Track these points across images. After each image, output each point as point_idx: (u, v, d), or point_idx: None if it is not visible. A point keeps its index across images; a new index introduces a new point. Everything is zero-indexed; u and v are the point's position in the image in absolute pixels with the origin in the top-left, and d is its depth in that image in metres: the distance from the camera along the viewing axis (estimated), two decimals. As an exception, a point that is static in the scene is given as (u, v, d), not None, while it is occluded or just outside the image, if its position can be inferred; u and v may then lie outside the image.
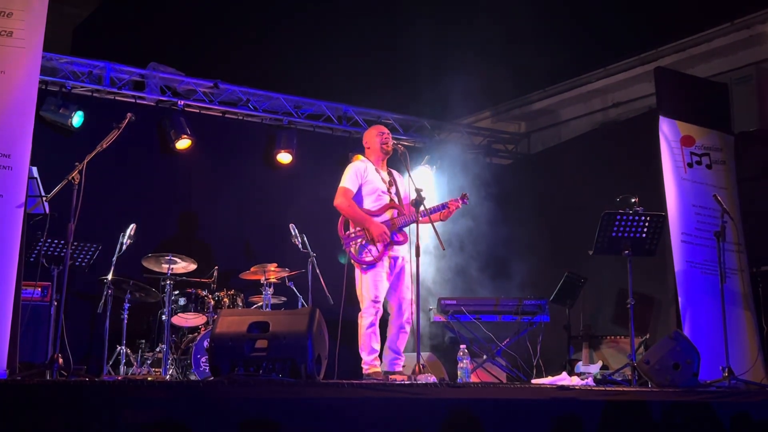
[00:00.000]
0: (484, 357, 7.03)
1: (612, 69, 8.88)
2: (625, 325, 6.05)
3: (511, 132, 10.13)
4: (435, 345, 7.51)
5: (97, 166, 4.88)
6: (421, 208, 5.33)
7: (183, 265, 6.88)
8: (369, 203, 5.68)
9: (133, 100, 8.02)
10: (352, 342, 5.62)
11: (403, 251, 5.65)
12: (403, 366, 5.60)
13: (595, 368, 6.59)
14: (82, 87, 7.77)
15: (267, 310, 6.68)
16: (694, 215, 6.59)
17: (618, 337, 7.17)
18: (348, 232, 5.67)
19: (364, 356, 5.49)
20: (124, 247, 6.52)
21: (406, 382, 4.72)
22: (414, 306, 5.41)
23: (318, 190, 6.91)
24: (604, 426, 4.11)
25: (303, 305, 6.99)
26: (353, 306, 5.69)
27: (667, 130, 6.69)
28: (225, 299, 6.97)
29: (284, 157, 8.48)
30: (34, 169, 4.96)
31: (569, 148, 9.09)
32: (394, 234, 5.59)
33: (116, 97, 7.93)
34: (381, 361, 5.55)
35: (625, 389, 4.93)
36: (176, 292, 6.85)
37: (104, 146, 4.87)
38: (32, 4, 4.46)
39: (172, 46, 9.00)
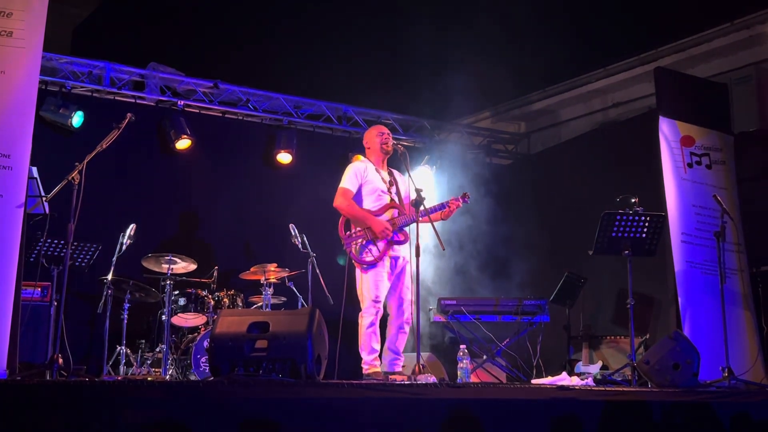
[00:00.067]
0: (484, 357, 7.03)
1: (612, 69, 8.88)
2: (625, 325, 6.04)
3: (511, 132, 10.12)
4: (435, 345, 7.50)
5: (97, 166, 4.89)
6: (421, 208, 5.33)
7: (183, 265, 6.88)
8: (369, 203, 5.67)
9: (133, 100, 8.01)
10: (352, 342, 5.62)
11: (403, 251, 5.64)
12: (403, 366, 5.60)
13: (594, 368, 6.58)
14: (82, 87, 7.76)
15: (267, 310, 6.68)
16: (694, 215, 6.59)
17: (618, 337, 7.16)
18: (348, 233, 5.66)
19: (364, 356, 5.49)
20: (124, 247, 6.51)
21: (406, 382, 4.71)
22: (414, 306, 5.41)
23: (318, 191, 6.91)
24: (604, 426, 4.11)
25: (303, 305, 6.99)
26: (353, 306, 5.69)
27: (666, 130, 6.69)
28: (225, 299, 6.97)
29: (284, 157, 8.47)
30: (34, 169, 4.96)
31: (569, 149, 9.08)
32: (395, 233, 5.59)
33: (116, 97, 7.93)
34: (381, 362, 5.55)
35: (625, 389, 4.93)
36: (176, 292, 6.85)
37: (104, 146, 4.87)
38: (32, 4, 4.46)
39: (172, 46, 8.99)
